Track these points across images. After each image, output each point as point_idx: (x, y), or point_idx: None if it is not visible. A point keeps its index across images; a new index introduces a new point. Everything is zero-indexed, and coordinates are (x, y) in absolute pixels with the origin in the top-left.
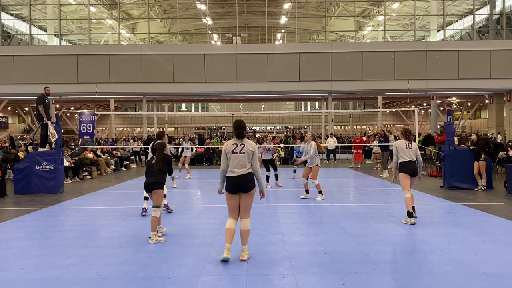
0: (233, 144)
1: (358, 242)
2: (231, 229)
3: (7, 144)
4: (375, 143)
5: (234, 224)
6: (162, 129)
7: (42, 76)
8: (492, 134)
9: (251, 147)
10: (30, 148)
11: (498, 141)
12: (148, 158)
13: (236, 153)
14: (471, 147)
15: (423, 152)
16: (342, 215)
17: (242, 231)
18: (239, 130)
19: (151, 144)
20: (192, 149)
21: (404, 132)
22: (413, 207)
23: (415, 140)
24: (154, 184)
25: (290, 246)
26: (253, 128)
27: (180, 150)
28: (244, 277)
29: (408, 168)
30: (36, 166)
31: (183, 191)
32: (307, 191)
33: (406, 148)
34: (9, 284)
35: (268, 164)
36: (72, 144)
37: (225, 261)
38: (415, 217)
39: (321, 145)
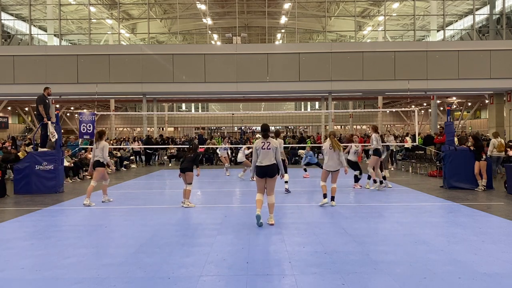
0: (261, 142)
1: (358, 242)
2: (260, 200)
3: (7, 144)
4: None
5: (261, 196)
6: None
7: (42, 76)
8: (487, 134)
9: (275, 144)
10: (29, 148)
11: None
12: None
13: (264, 149)
14: (471, 147)
15: (423, 152)
16: (342, 215)
17: (269, 204)
18: (265, 132)
19: (189, 145)
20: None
21: (373, 127)
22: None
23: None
24: (186, 168)
25: (290, 246)
26: (253, 128)
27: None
28: (244, 277)
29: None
30: (36, 166)
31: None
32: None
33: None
34: (9, 284)
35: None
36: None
37: (258, 218)
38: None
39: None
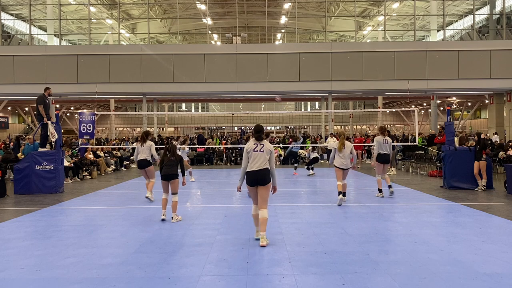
0: (254, 144)
1: (358, 242)
2: (256, 215)
3: (11, 144)
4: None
5: (257, 209)
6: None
7: (42, 76)
8: (487, 135)
9: (270, 147)
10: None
11: (493, 141)
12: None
13: (257, 151)
14: (472, 146)
15: (423, 152)
16: (342, 215)
17: (261, 219)
18: (258, 133)
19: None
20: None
21: (380, 129)
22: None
23: (389, 135)
24: (170, 175)
25: (290, 246)
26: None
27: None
28: (244, 277)
29: (383, 158)
30: (36, 166)
31: (183, 191)
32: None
33: (384, 143)
34: (9, 284)
35: None
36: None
37: (258, 239)
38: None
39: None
